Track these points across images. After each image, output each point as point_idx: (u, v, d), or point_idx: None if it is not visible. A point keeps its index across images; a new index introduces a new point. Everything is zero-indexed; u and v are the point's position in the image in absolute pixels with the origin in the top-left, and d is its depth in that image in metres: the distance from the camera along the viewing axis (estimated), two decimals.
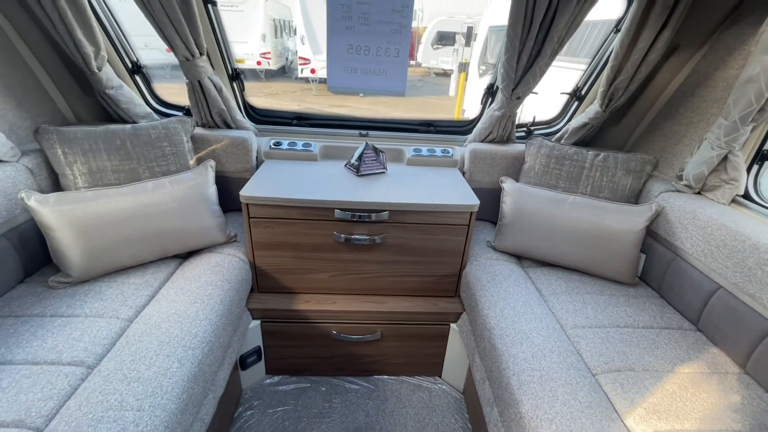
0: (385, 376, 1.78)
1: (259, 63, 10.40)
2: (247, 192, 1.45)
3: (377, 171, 1.74)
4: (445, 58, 11.87)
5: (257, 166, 1.81)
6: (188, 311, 1.19)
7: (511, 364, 1.13)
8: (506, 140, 1.94)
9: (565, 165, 1.65)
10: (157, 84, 1.95)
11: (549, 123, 2.14)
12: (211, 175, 1.55)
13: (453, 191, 1.59)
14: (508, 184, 1.68)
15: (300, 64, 9.99)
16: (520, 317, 1.28)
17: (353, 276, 1.62)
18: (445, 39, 11.70)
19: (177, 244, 1.46)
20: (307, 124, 2.04)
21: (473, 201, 1.51)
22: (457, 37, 10.47)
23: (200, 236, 1.50)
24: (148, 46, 2.51)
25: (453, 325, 1.66)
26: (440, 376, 1.80)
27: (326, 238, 1.52)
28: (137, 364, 1.00)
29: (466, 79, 7.41)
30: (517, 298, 1.37)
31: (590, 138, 1.95)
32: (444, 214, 1.50)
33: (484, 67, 7.17)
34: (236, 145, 1.75)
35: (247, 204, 1.45)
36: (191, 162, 1.59)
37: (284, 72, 12.03)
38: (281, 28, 11.52)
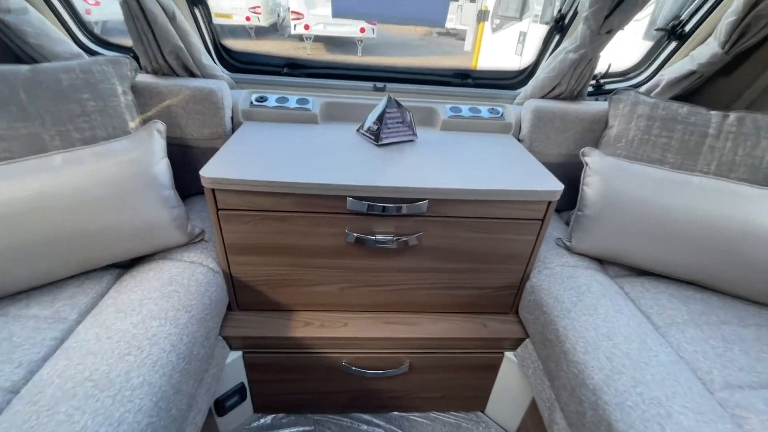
0: (412, 413, 1.35)
1: (248, 18, 9.43)
2: (211, 171, 0.94)
3: (405, 138, 1.23)
4: (449, 16, 10.94)
5: (233, 131, 1.28)
6: (114, 372, 0.72)
7: None
8: (577, 96, 1.42)
9: (677, 131, 1.15)
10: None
11: (624, 75, 1.61)
12: (159, 144, 1.04)
13: (517, 169, 1.09)
14: (594, 158, 1.17)
15: (293, 20, 9.09)
16: (633, 362, 0.82)
17: (372, 289, 1.15)
18: None
19: (106, 251, 0.96)
20: (304, 74, 1.50)
21: (554, 185, 1.02)
22: None
23: (144, 237, 1.01)
24: None
25: (509, 354, 1.21)
26: (483, 412, 1.38)
27: (334, 238, 1.04)
28: None
29: (483, 31, 6.67)
30: (619, 329, 0.91)
31: (689, 94, 1.43)
32: (510, 204, 1.01)
33: (498, 21, 6.45)
34: (200, 100, 1.22)
35: (212, 189, 0.95)
36: (132, 124, 1.06)
37: (276, 29, 11.06)
38: None
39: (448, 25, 11.30)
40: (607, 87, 1.57)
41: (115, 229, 0.95)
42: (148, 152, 1.01)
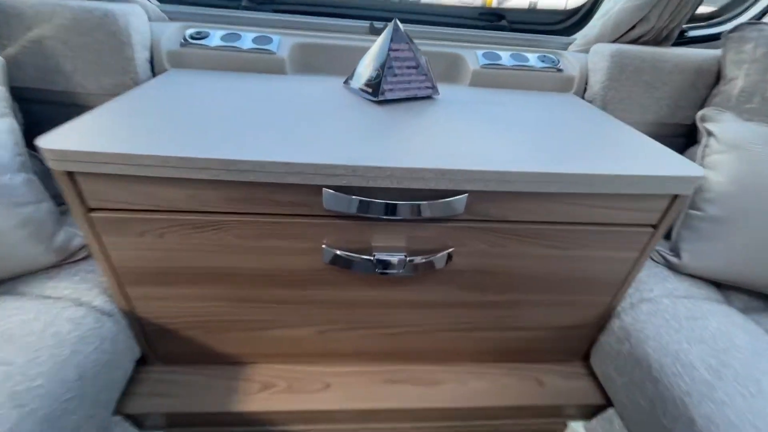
0: None
1: None
2: (65, 140, 0.50)
3: (419, 92, 0.79)
4: None
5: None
6: None
7: None
8: (662, 41, 0.98)
9: None
10: None
11: (712, 18, 1.16)
12: None
13: (607, 144, 0.66)
14: (724, 125, 0.74)
15: None
16: None
17: (369, 332, 0.73)
18: None
19: None
20: (271, 9, 1.04)
21: (685, 167, 0.59)
22: None
23: None
24: None
25: (576, 427, 0.80)
26: None
27: (303, 258, 0.60)
28: None
29: None
30: None
31: None
32: (611, 201, 0.58)
33: None
34: (90, 30, 0.76)
35: (69, 173, 0.50)
36: None
37: None
38: None
39: None
40: (690, 34, 1.13)
41: None
42: None
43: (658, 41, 0.97)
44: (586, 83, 0.94)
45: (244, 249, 0.59)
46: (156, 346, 0.72)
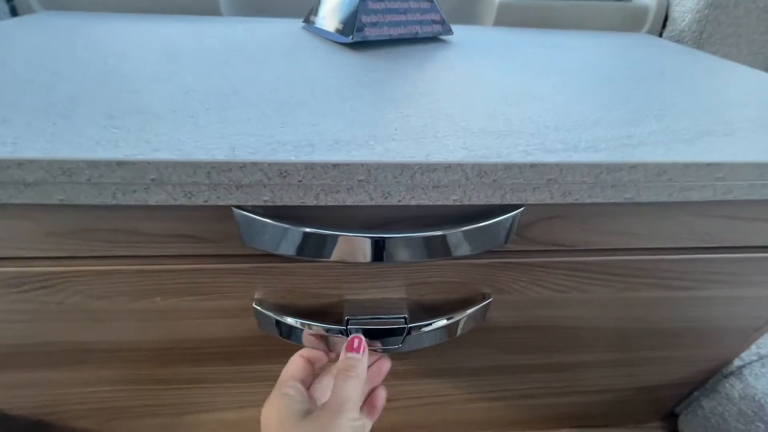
0: None
1: None
2: None
3: (423, 30, 0.50)
4: None
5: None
6: None
7: None
8: None
9: None
10: None
11: None
12: None
13: (751, 110, 0.38)
14: None
15: None
16: None
17: None
18: None
19: None
20: None
21: None
22: None
23: None
24: None
25: None
26: None
27: (225, 322, 0.34)
28: None
29: None
30: None
31: None
32: (755, 209, 0.32)
33: None
34: None
35: None
36: None
37: None
38: None
39: None
40: None
41: None
42: None
43: None
44: (666, 17, 0.64)
45: (114, 314, 0.33)
46: None
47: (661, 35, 0.65)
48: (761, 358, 0.47)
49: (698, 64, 0.48)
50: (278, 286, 0.32)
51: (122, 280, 0.30)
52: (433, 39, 0.52)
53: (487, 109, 0.31)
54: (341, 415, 0.26)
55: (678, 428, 0.56)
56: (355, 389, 0.28)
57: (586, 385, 0.48)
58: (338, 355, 0.31)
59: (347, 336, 0.32)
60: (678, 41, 0.62)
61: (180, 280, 0.31)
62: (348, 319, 0.32)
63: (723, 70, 0.46)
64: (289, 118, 0.28)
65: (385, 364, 0.34)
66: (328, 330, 0.32)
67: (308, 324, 0.32)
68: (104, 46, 0.41)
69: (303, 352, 0.33)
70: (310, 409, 0.28)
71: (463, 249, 0.28)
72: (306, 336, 0.33)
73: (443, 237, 0.27)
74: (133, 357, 0.37)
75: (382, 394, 0.33)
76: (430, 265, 0.32)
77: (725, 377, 0.49)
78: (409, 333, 0.33)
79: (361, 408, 0.30)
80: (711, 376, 0.50)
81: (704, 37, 0.60)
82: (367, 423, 0.31)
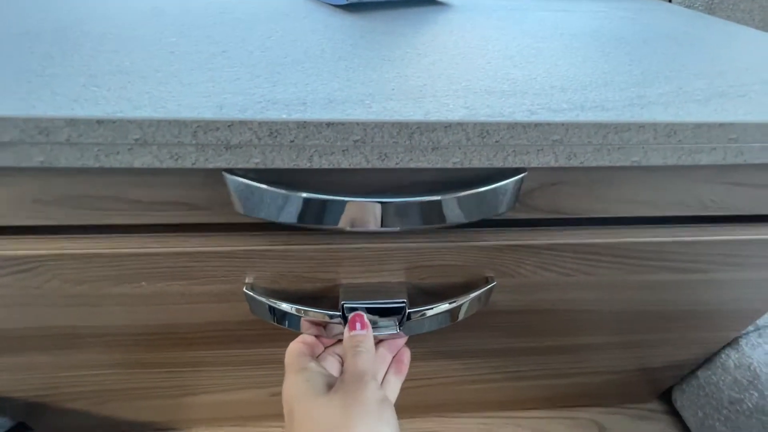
0: None
1: None
2: None
3: None
4: None
5: None
6: None
7: None
8: None
9: None
10: None
11: None
12: None
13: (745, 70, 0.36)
14: None
15: None
16: None
17: None
18: None
19: None
20: None
21: None
22: None
23: None
24: None
25: None
26: None
27: (214, 307, 0.33)
28: None
29: None
30: None
31: None
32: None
33: None
34: None
35: None
36: None
37: None
38: None
39: None
40: None
41: None
42: None
43: None
44: None
45: (97, 299, 0.32)
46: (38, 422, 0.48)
47: (671, 1, 0.62)
48: (758, 328, 0.47)
49: (711, 27, 0.46)
50: (271, 270, 0.31)
51: (106, 264, 0.29)
52: (433, 1, 0.49)
53: (489, 70, 0.30)
54: (366, 386, 0.25)
55: (672, 398, 0.56)
56: (367, 362, 0.27)
57: (588, 366, 0.48)
58: (336, 342, 0.32)
59: (345, 322, 0.31)
60: (688, 7, 0.59)
61: (165, 263, 0.30)
62: (344, 305, 0.31)
63: (737, 34, 0.44)
64: (280, 78, 0.26)
65: (405, 354, 0.34)
66: (324, 315, 0.31)
67: (303, 309, 0.31)
68: (82, 3, 0.39)
69: (298, 339, 0.32)
70: (331, 382, 0.27)
71: (466, 215, 0.27)
72: (303, 321, 0.32)
73: (444, 201, 0.26)
74: (123, 341, 0.37)
75: (406, 352, 0.33)
76: (431, 247, 0.31)
77: (721, 348, 0.49)
78: (407, 318, 0.32)
79: (388, 369, 0.30)
80: (712, 355, 0.50)
81: (716, 2, 0.57)
82: (396, 381, 0.30)
